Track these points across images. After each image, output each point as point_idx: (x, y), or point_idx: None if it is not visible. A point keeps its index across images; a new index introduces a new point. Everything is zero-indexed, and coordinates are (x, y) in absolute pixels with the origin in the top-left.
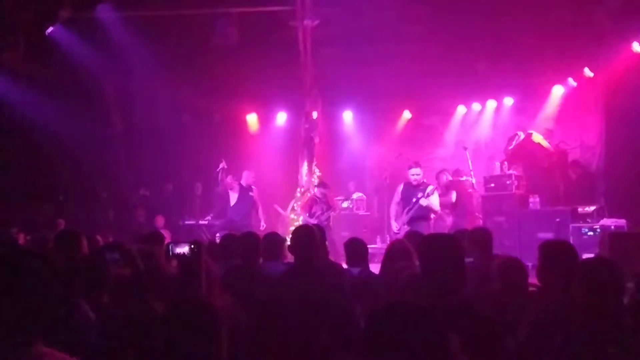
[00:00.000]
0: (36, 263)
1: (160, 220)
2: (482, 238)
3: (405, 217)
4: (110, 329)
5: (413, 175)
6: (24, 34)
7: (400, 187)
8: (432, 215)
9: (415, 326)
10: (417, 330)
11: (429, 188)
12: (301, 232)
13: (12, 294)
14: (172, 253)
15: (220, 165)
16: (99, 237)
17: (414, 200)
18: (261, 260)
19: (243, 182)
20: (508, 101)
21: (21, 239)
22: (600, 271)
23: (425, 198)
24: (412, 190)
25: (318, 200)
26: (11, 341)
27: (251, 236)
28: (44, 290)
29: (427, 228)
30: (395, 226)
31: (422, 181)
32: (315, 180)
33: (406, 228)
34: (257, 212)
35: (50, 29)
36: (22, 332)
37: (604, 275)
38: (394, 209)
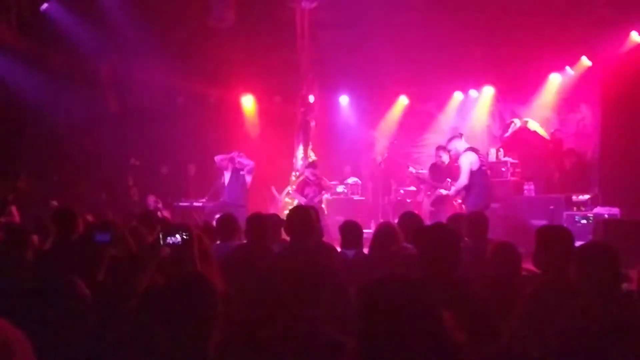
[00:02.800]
0: None
1: (151, 200)
2: (477, 221)
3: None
4: (105, 306)
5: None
6: (17, 10)
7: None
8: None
9: (408, 300)
10: (410, 304)
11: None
12: (297, 213)
13: None
14: (164, 242)
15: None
16: (89, 217)
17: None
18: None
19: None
20: (505, 88)
21: (16, 216)
22: (595, 255)
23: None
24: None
25: (310, 182)
26: None
27: (257, 217)
28: None
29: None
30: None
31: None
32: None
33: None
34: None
35: (45, 5)
36: None
37: (599, 260)
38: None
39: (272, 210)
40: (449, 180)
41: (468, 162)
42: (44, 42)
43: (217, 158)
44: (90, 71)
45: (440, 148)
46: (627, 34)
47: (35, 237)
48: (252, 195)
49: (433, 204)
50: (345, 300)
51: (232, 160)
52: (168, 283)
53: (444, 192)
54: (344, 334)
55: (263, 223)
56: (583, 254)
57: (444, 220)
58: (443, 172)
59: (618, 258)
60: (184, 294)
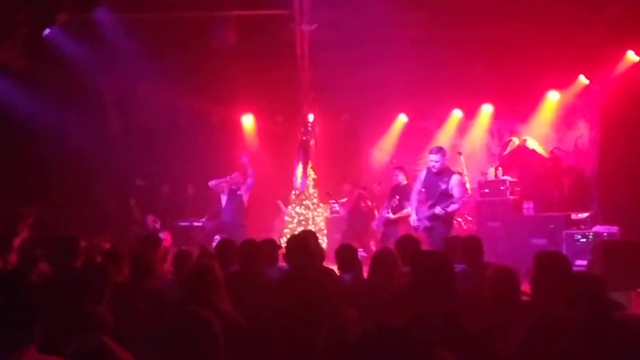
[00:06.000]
0: (21, 280)
1: (150, 219)
2: (473, 246)
3: (427, 212)
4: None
5: (431, 161)
6: (21, 34)
7: (423, 174)
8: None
9: (402, 351)
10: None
11: (454, 179)
12: (295, 241)
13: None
14: None
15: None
16: (106, 244)
17: (438, 192)
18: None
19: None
20: (504, 106)
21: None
22: (583, 288)
23: (442, 207)
24: (434, 178)
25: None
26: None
27: (250, 243)
28: (29, 303)
29: (448, 228)
30: (413, 220)
31: (444, 168)
32: (311, 182)
33: (426, 224)
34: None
35: (47, 30)
36: (13, 340)
37: (587, 294)
38: (414, 198)
39: (278, 223)
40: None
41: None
42: (47, 64)
43: (212, 183)
44: (93, 92)
45: (397, 168)
46: (624, 53)
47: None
48: (254, 213)
49: (385, 225)
50: (344, 330)
51: (227, 182)
52: (165, 324)
53: (391, 215)
54: None
55: (256, 249)
56: (568, 285)
57: (393, 240)
58: (399, 192)
59: (604, 287)
60: (181, 335)
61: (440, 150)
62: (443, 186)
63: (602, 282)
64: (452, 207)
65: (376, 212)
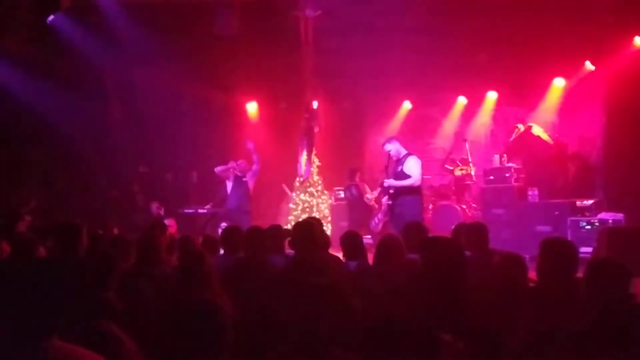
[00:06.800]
0: (52, 269)
1: (154, 207)
2: (478, 233)
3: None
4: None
5: (388, 152)
6: (25, 21)
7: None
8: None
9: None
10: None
11: (408, 160)
12: (301, 228)
13: (28, 297)
14: None
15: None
16: (115, 230)
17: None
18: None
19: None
20: (509, 93)
21: (22, 225)
22: (606, 273)
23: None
24: (396, 165)
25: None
26: (27, 339)
27: (255, 230)
28: (58, 293)
29: (411, 208)
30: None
31: (403, 153)
32: (315, 169)
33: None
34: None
35: (51, 17)
36: (38, 330)
37: (610, 277)
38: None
39: (284, 207)
40: None
41: (419, 164)
42: (49, 51)
43: (218, 169)
44: (95, 79)
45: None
46: (631, 39)
47: (42, 249)
48: (259, 200)
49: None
50: (350, 318)
51: (233, 169)
52: (173, 311)
53: None
54: (349, 351)
55: (260, 236)
56: (594, 270)
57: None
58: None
59: (629, 275)
60: (192, 322)
61: (390, 139)
62: (399, 168)
63: (628, 270)
64: (403, 183)
65: (369, 194)
